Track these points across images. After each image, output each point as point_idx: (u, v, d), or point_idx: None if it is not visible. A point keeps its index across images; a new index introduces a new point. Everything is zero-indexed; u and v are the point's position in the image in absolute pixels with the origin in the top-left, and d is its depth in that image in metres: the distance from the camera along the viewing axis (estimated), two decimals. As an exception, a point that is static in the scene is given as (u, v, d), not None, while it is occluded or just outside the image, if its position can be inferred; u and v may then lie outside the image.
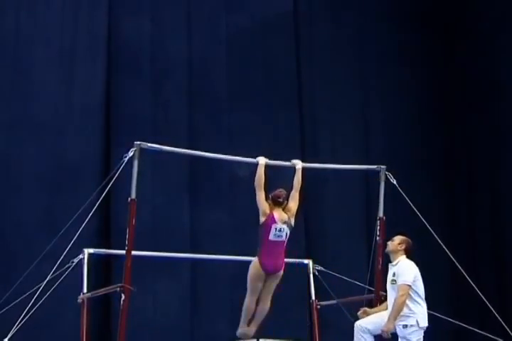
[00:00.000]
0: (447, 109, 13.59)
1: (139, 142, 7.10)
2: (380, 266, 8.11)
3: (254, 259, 7.45)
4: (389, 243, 7.62)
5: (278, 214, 7.43)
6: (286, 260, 9.74)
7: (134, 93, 11.17)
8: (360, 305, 8.73)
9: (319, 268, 9.49)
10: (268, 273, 7.45)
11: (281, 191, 7.46)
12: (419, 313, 7.26)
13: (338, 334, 10.78)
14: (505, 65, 12.99)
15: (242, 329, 7.51)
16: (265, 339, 9.64)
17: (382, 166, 8.32)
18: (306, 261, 9.64)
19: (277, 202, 7.44)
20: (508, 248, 12.59)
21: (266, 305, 7.53)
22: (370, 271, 8.44)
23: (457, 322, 8.99)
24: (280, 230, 7.41)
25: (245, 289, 11.17)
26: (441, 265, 10.87)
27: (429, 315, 8.99)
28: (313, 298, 9.42)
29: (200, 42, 11.81)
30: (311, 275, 9.46)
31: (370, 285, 8.72)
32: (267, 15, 12.30)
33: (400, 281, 7.23)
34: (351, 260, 11.55)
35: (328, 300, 9.32)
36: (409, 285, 7.20)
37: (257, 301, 7.49)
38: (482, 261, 12.82)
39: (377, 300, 8.12)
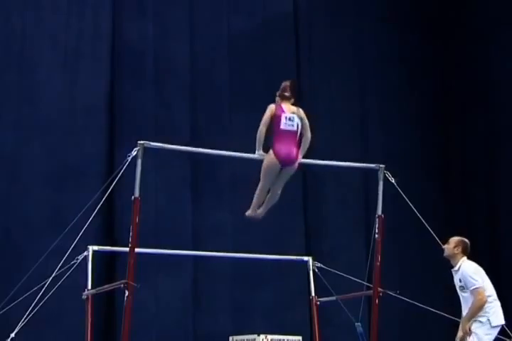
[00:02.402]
0: (446, 109, 13.65)
1: (142, 141, 7.09)
2: (378, 263, 8.15)
3: (269, 151, 7.38)
4: (445, 247, 7.50)
5: (287, 106, 7.44)
6: (286, 257, 9.95)
7: (137, 93, 11.26)
8: (359, 301, 8.88)
9: (319, 265, 9.57)
10: (282, 162, 7.33)
11: (286, 84, 7.47)
12: (491, 312, 7.17)
13: (337, 330, 10.93)
14: (504, 65, 13.01)
15: (251, 211, 7.54)
16: (266, 334, 9.78)
17: (381, 165, 8.30)
18: (306, 258, 9.74)
19: (285, 97, 7.47)
20: (508, 247, 12.62)
21: (276, 193, 7.52)
22: (368, 268, 8.51)
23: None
24: (291, 119, 7.40)
25: (246, 287, 11.37)
26: (440, 265, 10.94)
27: (431, 314, 9.07)
28: (313, 294, 9.50)
29: (202, 43, 11.89)
30: (311, 272, 9.54)
31: (368, 281, 8.81)
32: (268, 17, 12.37)
33: (470, 287, 7.17)
34: (350, 257, 11.61)
35: (328, 296, 9.44)
36: (482, 287, 7.14)
37: (268, 190, 7.50)
38: (482, 261, 12.82)
39: (376, 296, 8.22)
